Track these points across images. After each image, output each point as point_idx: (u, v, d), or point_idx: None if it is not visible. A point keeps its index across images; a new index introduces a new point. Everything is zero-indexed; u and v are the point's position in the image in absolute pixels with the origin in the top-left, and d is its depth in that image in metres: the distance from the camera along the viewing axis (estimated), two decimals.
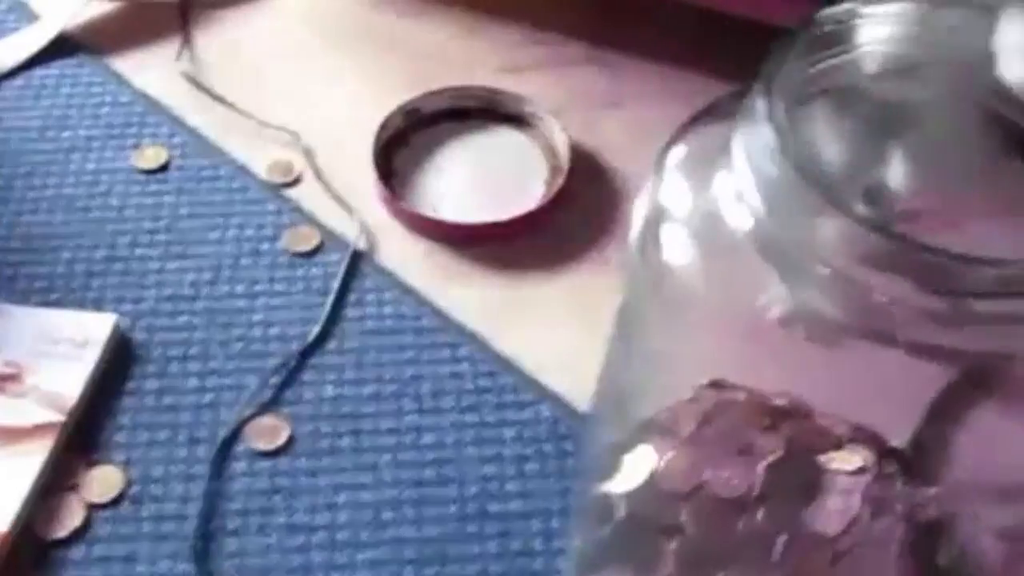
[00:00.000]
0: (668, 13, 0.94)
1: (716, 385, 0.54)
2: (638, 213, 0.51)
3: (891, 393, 0.50)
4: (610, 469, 0.59)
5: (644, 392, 0.55)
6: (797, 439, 0.54)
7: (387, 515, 0.69)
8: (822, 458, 0.54)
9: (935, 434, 0.51)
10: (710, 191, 0.46)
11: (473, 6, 1.03)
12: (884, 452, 0.55)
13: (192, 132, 0.91)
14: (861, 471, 0.53)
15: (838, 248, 0.41)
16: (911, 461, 0.55)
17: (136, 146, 0.89)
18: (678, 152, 0.51)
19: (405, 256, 0.83)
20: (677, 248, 0.49)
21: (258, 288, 0.80)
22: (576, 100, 0.95)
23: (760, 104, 0.43)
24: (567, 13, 1.02)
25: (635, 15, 1.00)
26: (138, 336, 0.77)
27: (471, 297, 0.81)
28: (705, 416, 0.54)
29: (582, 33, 1.01)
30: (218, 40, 0.99)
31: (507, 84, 0.94)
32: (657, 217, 0.50)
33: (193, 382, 0.75)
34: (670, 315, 0.50)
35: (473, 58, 0.98)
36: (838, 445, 0.55)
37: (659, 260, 0.49)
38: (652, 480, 0.58)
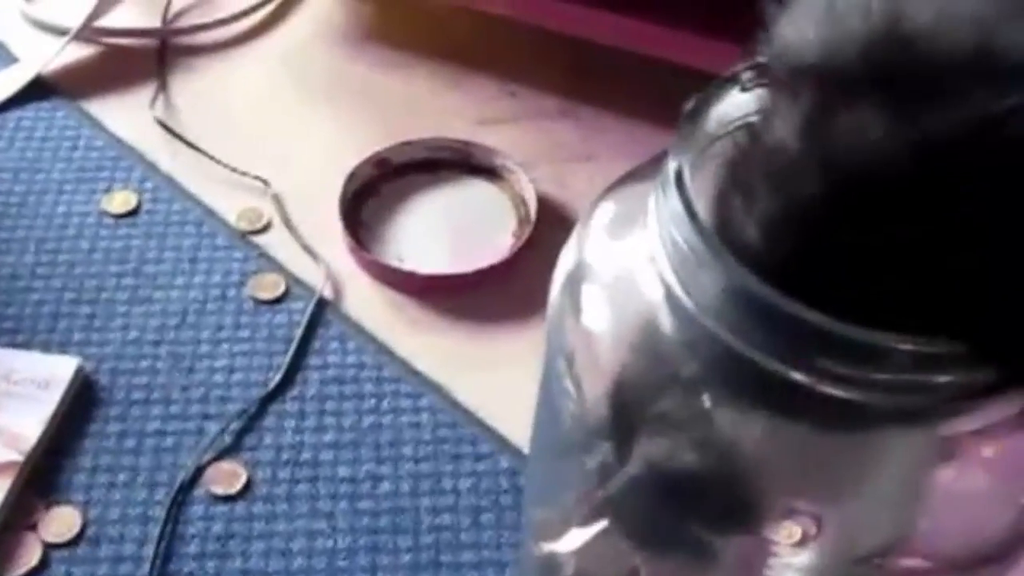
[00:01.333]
0: (641, 69, 0.96)
1: None
2: (560, 270, 0.51)
3: None
4: (551, 528, 0.60)
5: (577, 449, 0.55)
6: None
7: (341, 562, 0.69)
8: (766, 529, 0.55)
9: None
10: (628, 253, 0.46)
11: (449, 59, 1.05)
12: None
13: (163, 177, 0.92)
14: (804, 541, 0.54)
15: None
16: None
17: (107, 190, 0.90)
18: (606, 209, 0.51)
19: (370, 305, 0.84)
20: (595, 311, 0.49)
21: (222, 334, 0.81)
22: (548, 153, 0.96)
23: (671, 167, 0.43)
24: (542, 68, 1.04)
25: (609, 70, 1.02)
26: (101, 379, 0.78)
27: (434, 347, 0.82)
28: None
29: (556, 87, 1.02)
30: (193, 87, 1.01)
31: (481, 136, 0.95)
32: (579, 276, 0.50)
33: (154, 425, 0.75)
34: (589, 380, 0.50)
35: (448, 110, 1.00)
36: (783, 516, 0.56)
37: (577, 321, 0.49)
38: (600, 539, 0.59)
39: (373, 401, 0.77)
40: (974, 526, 0.49)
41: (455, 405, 0.78)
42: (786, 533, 0.54)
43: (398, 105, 1.00)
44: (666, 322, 0.44)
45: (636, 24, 0.92)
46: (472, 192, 0.93)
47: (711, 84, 0.46)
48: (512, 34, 1.02)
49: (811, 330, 0.39)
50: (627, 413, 0.49)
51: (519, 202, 0.91)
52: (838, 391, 0.41)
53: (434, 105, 1.00)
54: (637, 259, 0.45)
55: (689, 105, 0.46)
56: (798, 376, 0.41)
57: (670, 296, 0.43)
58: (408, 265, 0.86)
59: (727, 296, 0.41)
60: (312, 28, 1.08)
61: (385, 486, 0.73)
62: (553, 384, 0.52)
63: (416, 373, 0.80)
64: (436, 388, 0.79)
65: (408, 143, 0.94)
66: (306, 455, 0.74)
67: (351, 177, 0.90)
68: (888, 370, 0.39)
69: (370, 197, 0.92)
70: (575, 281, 0.50)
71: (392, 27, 1.08)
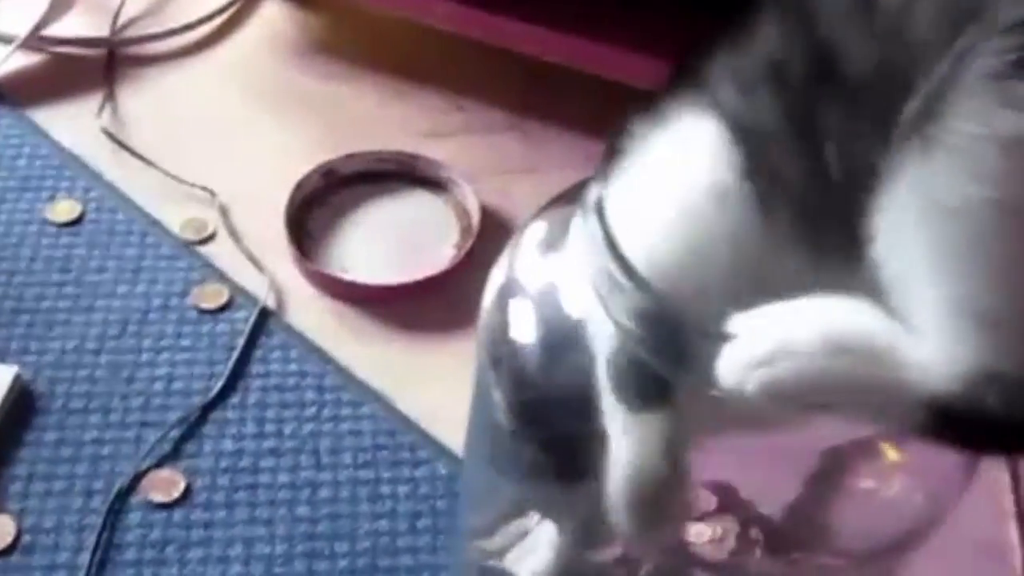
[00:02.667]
0: (588, 84, 0.97)
1: None
2: (492, 285, 0.53)
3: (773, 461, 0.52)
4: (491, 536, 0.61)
5: (506, 464, 0.55)
6: None
7: (279, 568, 0.69)
8: (690, 527, 0.56)
9: (812, 501, 0.53)
10: (555, 272, 0.48)
11: (399, 73, 1.05)
12: (750, 520, 0.57)
13: (108, 187, 0.92)
14: (722, 539, 0.55)
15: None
16: (779, 527, 0.57)
17: (51, 198, 0.90)
18: (538, 228, 0.52)
19: (313, 315, 0.85)
20: (524, 325, 0.50)
21: (164, 343, 0.81)
22: (493, 165, 0.97)
23: (592, 196, 0.45)
24: (490, 82, 1.05)
25: (555, 85, 1.03)
26: (40, 387, 0.78)
27: (376, 356, 0.82)
28: None
29: (504, 101, 1.03)
30: (142, 97, 1.01)
31: (428, 148, 0.96)
32: (509, 292, 0.52)
33: (92, 434, 0.75)
34: (515, 392, 0.51)
35: (396, 122, 1.01)
36: (702, 516, 0.57)
37: (506, 335, 0.51)
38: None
39: (314, 409, 0.78)
40: (881, 523, 0.51)
41: (395, 413, 0.78)
42: (707, 534, 0.55)
43: (346, 117, 1.01)
44: (587, 336, 0.46)
45: (579, 43, 0.93)
46: (416, 203, 0.93)
47: (634, 117, 0.48)
48: (462, 49, 1.02)
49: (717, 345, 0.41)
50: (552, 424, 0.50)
51: (462, 213, 0.92)
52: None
53: (382, 117, 1.01)
54: (563, 277, 0.47)
55: (613, 137, 0.48)
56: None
57: (591, 313, 0.45)
58: (352, 275, 0.86)
59: (641, 316, 0.43)
60: (262, 40, 1.08)
61: (324, 492, 0.73)
62: (485, 394, 0.53)
63: (357, 382, 0.80)
64: (377, 396, 0.79)
65: (354, 155, 0.94)
66: (246, 462, 0.75)
67: (299, 187, 0.91)
68: None
69: (316, 207, 0.92)
70: (505, 296, 0.51)
71: (342, 40, 1.08)
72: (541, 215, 0.53)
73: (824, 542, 0.55)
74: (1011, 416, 0.39)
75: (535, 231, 0.53)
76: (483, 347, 0.54)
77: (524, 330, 0.51)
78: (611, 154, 0.47)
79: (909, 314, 0.39)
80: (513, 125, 1.02)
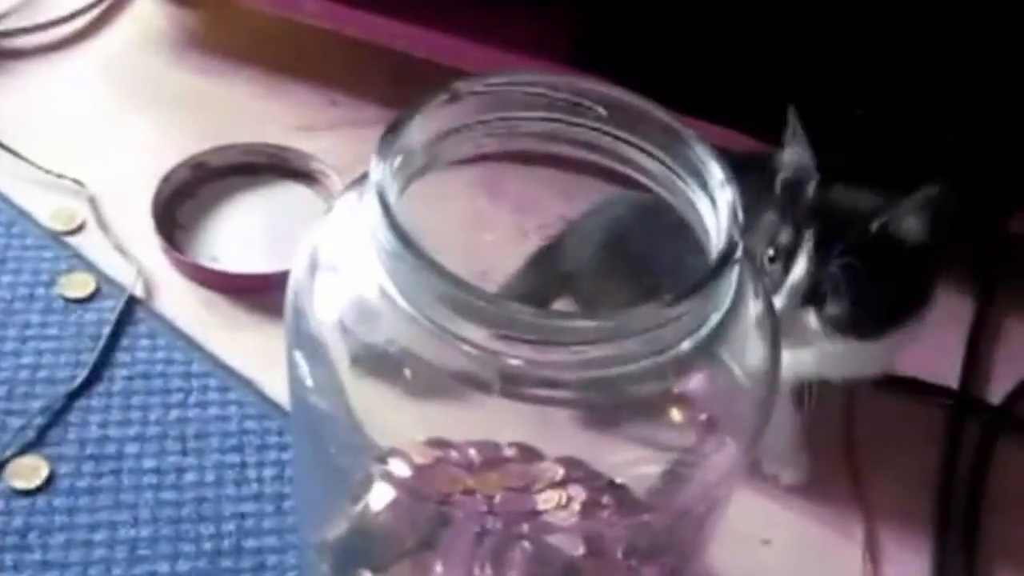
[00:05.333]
0: (459, 79, 0.99)
1: (435, 442, 0.58)
2: (300, 257, 0.54)
3: None
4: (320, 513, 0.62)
5: (331, 442, 0.57)
6: (510, 484, 0.57)
7: (143, 551, 0.70)
8: (537, 497, 0.58)
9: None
10: (357, 245, 0.49)
11: (272, 67, 1.06)
12: (601, 487, 0.59)
13: None
14: (568, 504, 0.57)
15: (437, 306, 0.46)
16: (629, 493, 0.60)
17: None
18: (347, 200, 0.54)
19: (182, 304, 0.85)
20: (327, 299, 0.52)
21: (29, 332, 0.81)
22: (366, 158, 0.97)
23: (373, 179, 0.47)
24: (363, 76, 1.06)
25: (430, 81, 1.04)
26: None
27: (244, 344, 0.83)
28: (419, 472, 0.56)
29: (378, 97, 1.05)
30: (12, 90, 1.01)
31: (301, 142, 0.97)
32: (315, 264, 0.53)
33: None
34: (321, 368, 0.52)
35: (268, 116, 1.02)
36: (555, 484, 0.59)
37: (311, 310, 0.52)
38: (362, 526, 0.61)
39: (180, 395, 0.79)
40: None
41: (263, 398, 0.79)
42: (553, 500, 0.57)
43: (219, 111, 1.01)
44: (379, 306, 0.48)
45: (448, 40, 0.95)
46: (288, 195, 0.95)
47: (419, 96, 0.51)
48: (336, 44, 1.04)
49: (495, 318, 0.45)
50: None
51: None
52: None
53: (255, 111, 1.02)
54: (361, 251, 0.49)
55: (393, 119, 0.50)
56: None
57: (381, 287, 0.48)
58: (222, 265, 0.87)
59: (422, 292, 0.46)
60: (135, 34, 1.08)
61: (189, 477, 0.74)
62: (293, 370, 0.54)
63: (225, 368, 0.81)
64: (245, 382, 0.80)
65: (226, 147, 0.95)
66: (111, 448, 0.75)
67: (166, 179, 0.91)
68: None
69: (187, 199, 0.93)
70: (312, 269, 0.53)
71: (216, 35, 1.09)
72: (352, 187, 0.54)
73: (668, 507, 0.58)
74: None
75: (344, 203, 0.54)
76: (289, 327, 0.55)
77: (328, 305, 0.52)
78: (390, 131, 0.49)
79: None
80: (385, 119, 1.02)
